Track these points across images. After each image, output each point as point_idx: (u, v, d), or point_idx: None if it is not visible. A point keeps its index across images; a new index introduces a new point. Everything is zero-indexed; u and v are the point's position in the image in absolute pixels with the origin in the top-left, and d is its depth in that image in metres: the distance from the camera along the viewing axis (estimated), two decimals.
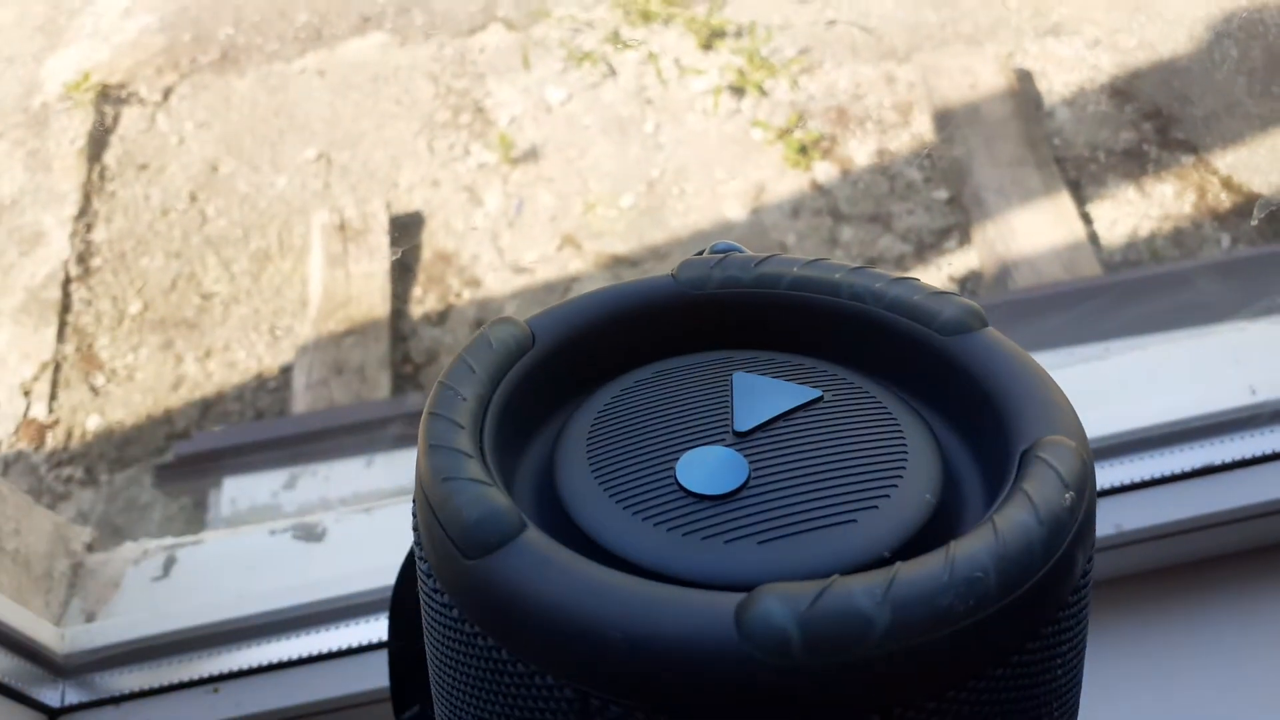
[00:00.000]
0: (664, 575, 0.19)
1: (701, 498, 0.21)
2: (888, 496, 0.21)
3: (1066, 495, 0.19)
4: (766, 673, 0.17)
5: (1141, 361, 0.55)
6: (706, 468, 0.21)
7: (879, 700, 0.17)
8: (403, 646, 0.33)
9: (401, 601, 0.32)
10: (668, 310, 0.25)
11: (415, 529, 0.22)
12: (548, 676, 0.18)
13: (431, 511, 0.20)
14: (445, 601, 0.20)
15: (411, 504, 0.23)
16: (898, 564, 0.18)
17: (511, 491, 0.21)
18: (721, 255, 0.25)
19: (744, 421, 0.22)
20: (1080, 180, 1.38)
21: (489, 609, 0.19)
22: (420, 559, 0.22)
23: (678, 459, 0.22)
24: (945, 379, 0.23)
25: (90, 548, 0.58)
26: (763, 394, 0.23)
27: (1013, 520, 0.19)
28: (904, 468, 0.21)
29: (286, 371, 1.25)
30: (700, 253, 0.26)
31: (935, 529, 0.21)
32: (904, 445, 0.22)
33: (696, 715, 0.18)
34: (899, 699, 0.18)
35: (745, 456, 0.22)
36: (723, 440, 0.22)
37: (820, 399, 0.23)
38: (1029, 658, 0.19)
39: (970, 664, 0.18)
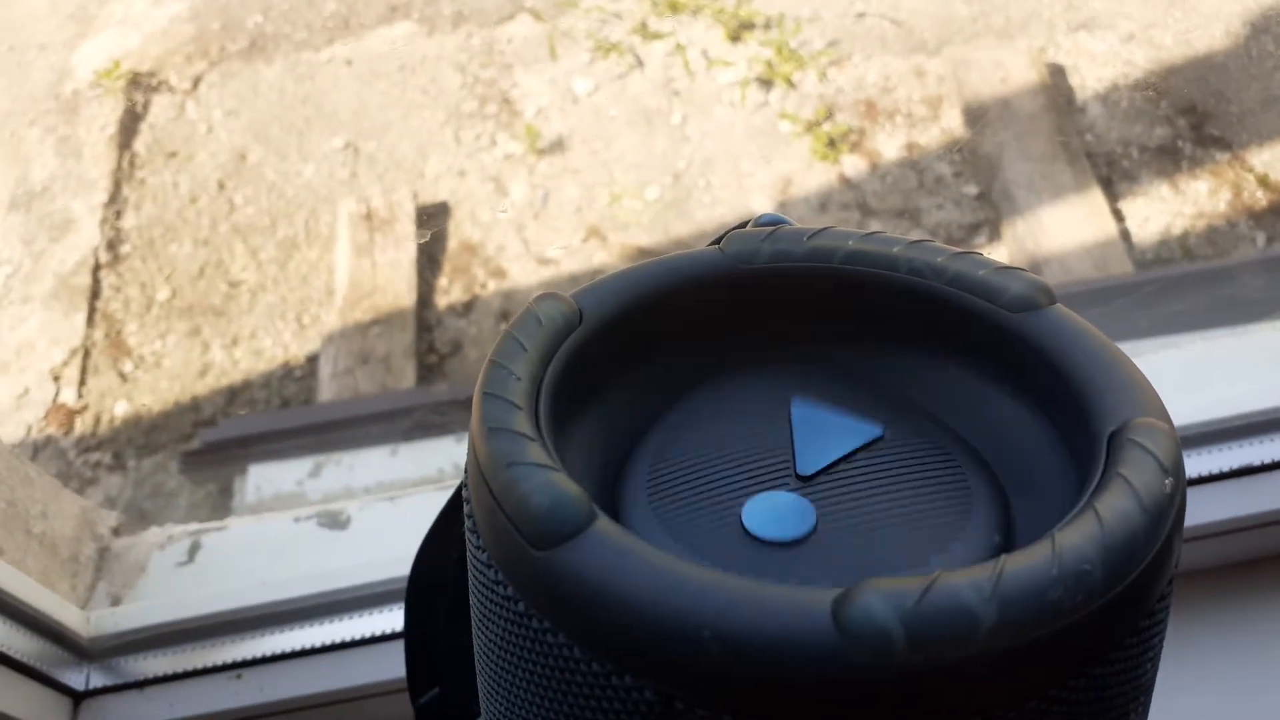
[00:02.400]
0: None
1: (769, 544, 0.20)
2: (957, 540, 0.20)
3: (1167, 481, 0.18)
4: (867, 673, 0.16)
5: (1177, 360, 0.54)
6: (773, 514, 0.21)
7: (982, 700, 0.17)
8: (420, 629, 0.33)
9: (418, 583, 0.32)
10: (716, 286, 0.24)
11: (469, 515, 0.21)
12: (626, 677, 0.17)
13: (494, 499, 0.19)
14: (509, 594, 0.19)
15: (463, 489, 0.22)
16: (1003, 556, 0.17)
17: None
18: (772, 228, 0.24)
19: (807, 464, 0.22)
20: (1112, 177, 1.37)
21: (561, 604, 0.18)
22: (476, 548, 0.21)
23: (742, 503, 0.21)
24: (1015, 357, 0.22)
25: (116, 532, 0.58)
26: (823, 430, 0.22)
27: (1116, 509, 0.18)
28: (969, 507, 0.21)
29: (312, 360, 1.26)
30: (743, 224, 0.25)
31: (1014, 544, 0.20)
32: (965, 483, 0.21)
33: (791, 718, 0.17)
34: (1002, 699, 0.17)
35: (811, 501, 0.21)
36: (786, 484, 0.21)
37: (882, 437, 0.22)
38: (1128, 653, 0.18)
39: (1074, 661, 0.17)
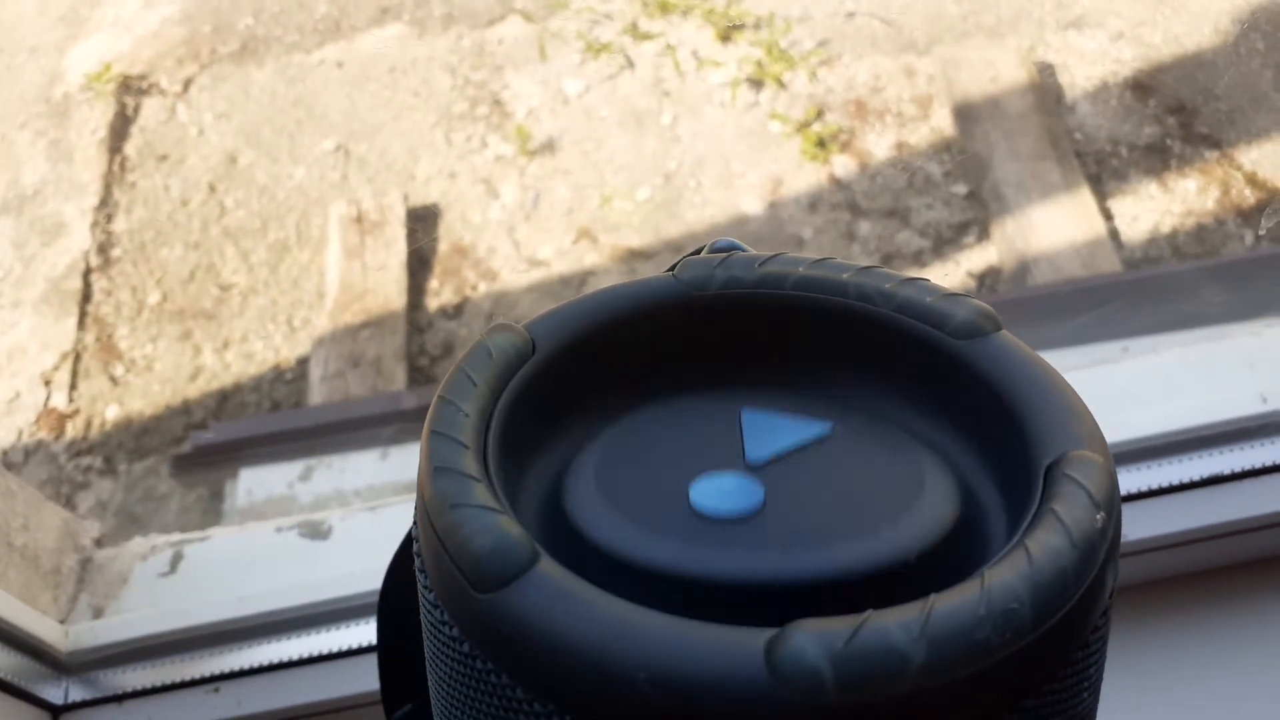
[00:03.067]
0: (682, 578, 0.19)
1: (717, 520, 0.20)
2: (908, 510, 0.20)
3: (1098, 516, 0.19)
4: (798, 713, 0.16)
5: (1152, 367, 0.55)
6: (720, 491, 0.21)
7: None
8: (392, 644, 0.33)
9: (390, 598, 0.32)
10: (670, 312, 0.24)
11: (417, 553, 0.21)
12: (566, 717, 0.18)
13: (439, 540, 0.19)
14: (455, 635, 0.19)
15: (412, 526, 0.22)
16: (932, 597, 0.17)
17: (516, 512, 0.21)
18: (724, 254, 0.24)
19: (756, 452, 0.22)
20: (1101, 175, 1.37)
21: (503, 645, 0.18)
22: (425, 588, 0.21)
23: (690, 484, 0.21)
24: (958, 385, 0.22)
25: (99, 543, 0.59)
26: (772, 429, 0.22)
27: (1045, 545, 0.18)
28: (922, 488, 0.21)
29: (303, 363, 1.26)
30: (698, 250, 0.25)
31: (957, 543, 0.20)
32: (920, 469, 0.21)
33: None
34: None
35: (760, 482, 0.21)
36: (735, 468, 0.22)
37: (831, 434, 0.22)
38: (1060, 685, 0.19)
39: (1003, 696, 0.18)
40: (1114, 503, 0.19)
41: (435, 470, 0.20)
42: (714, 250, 0.25)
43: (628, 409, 0.23)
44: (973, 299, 0.23)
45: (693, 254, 0.25)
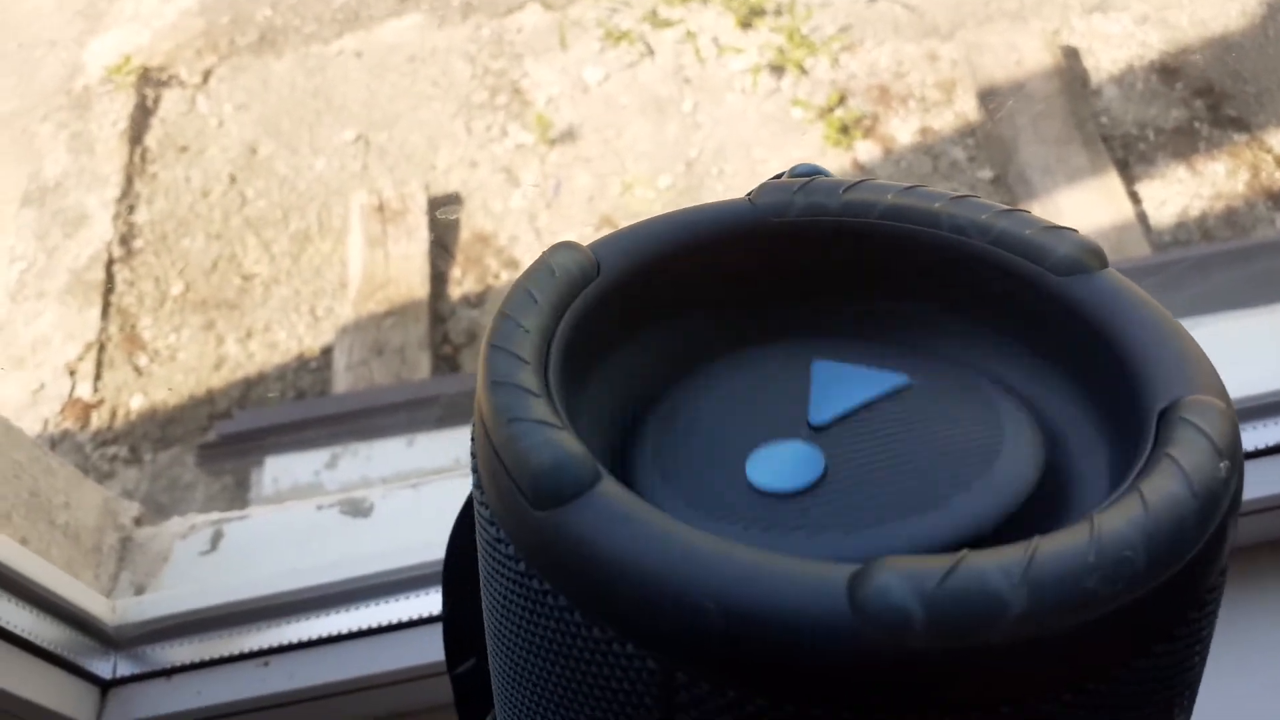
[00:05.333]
0: None
1: (777, 495, 0.19)
2: (982, 476, 0.19)
3: (1221, 464, 0.17)
4: (882, 655, 0.15)
5: (1243, 328, 0.54)
6: (779, 463, 0.20)
7: (1008, 690, 0.16)
8: (457, 599, 0.32)
9: (455, 554, 0.31)
10: (744, 239, 0.22)
11: (475, 470, 0.20)
12: (628, 644, 0.17)
13: (495, 455, 0.18)
14: (510, 554, 0.18)
15: (470, 444, 0.21)
16: (1036, 539, 0.16)
17: (577, 434, 0.19)
18: (805, 179, 0.23)
19: (820, 413, 0.20)
20: (1128, 159, 1.36)
21: (562, 566, 0.17)
22: (480, 504, 0.20)
23: (748, 455, 0.20)
24: (1059, 324, 0.21)
25: (139, 522, 0.58)
26: (844, 381, 0.21)
27: (1163, 492, 0.16)
28: (1000, 447, 0.19)
29: (327, 352, 1.25)
30: (779, 175, 0.23)
31: (1043, 504, 0.19)
32: (999, 423, 0.20)
33: (798, 698, 0.16)
34: (1030, 690, 0.16)
35: (821, 449, 0.20)
36: (797, 435, 0.20)
37: (908, 386, 0.21)
38: (1174, 645, 0.17)
39: (1111, 652, 0.16)
40: (1237, 452, 0.18)
41: (494, 384, 0.19)
42: (795, 175, 0.23)
43: (697, 349, 0.22)
44: (1077, 233, 0.21)
45: (773, 179, 0.23)
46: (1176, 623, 0.17)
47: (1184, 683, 0.18)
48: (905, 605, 0.15)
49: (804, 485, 0.19)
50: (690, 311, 0.22)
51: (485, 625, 0.22)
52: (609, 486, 0.17)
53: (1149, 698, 0.17)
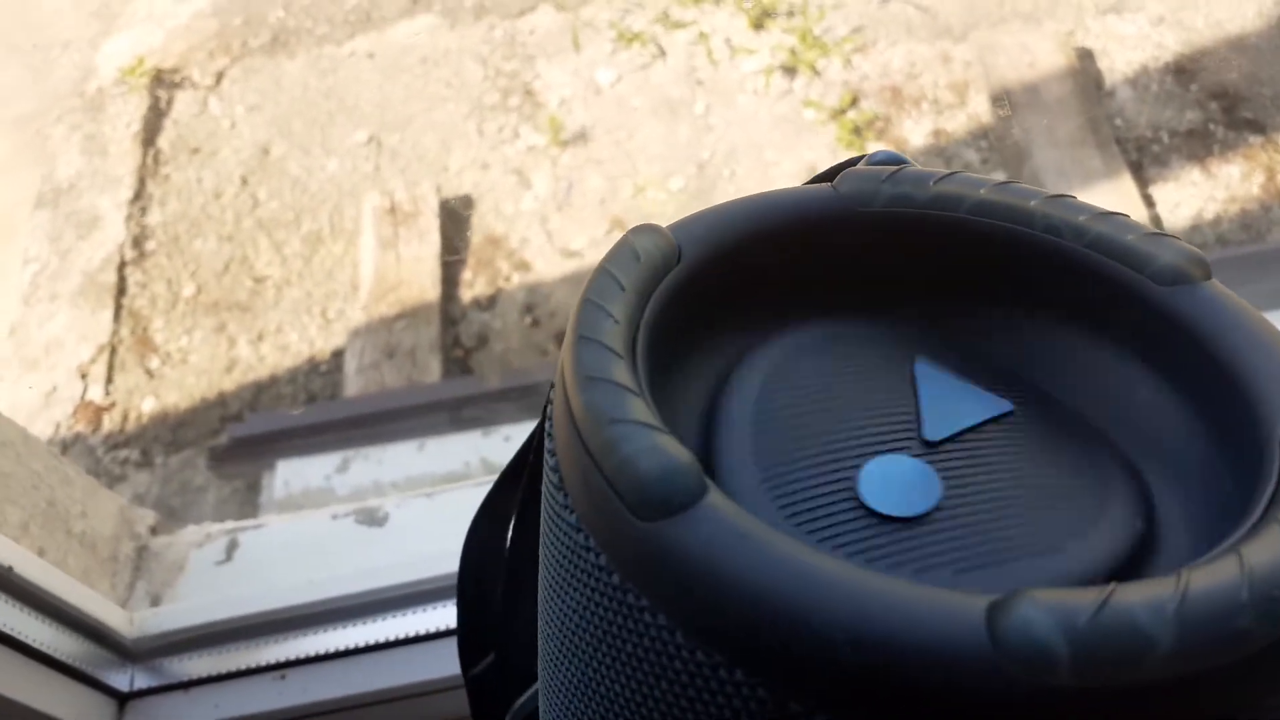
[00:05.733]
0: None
1: (887, 519, 0.18)
2: (1095, 524, 0.18)
3: None
4: (1021, 691, 0.14)
5: None
6: (894, 483, 0.18)
7: None
8: (472, 598, 0.32)
9: (472, 553, 0.31)
10: (830, 228, 0.21)
11: (554, 470, 0.19)
12: (736, 671, 0.16)
13: (590, 458, 0.17)
14: (602, 564, 0.17)
15: (547, 440, 0.20)
16: (1186, 574, 0.15)
17: None
18: (894, 168, 0.22)
19: (935, 429, 0.19)
20: (1142, 161, 1.35)
21: (665, 582, 0.16)
22: (563, 507, 0.19)
23: (859, 467, 0.19)
24: (1161, 336, 0.20)
25: (154, 531, 0.58)
26: (951, 397, 0.20)
27: None
28: (1105, 491, 0.18)
29: (338, 354, 1.25)
30: (856, 161, 0.23)
31: (1145, 547, 0.18)
32: (1101, 465, 0.19)
33: None
34: None
35: (936, 471, 0.19)
36: (908, 449, 0.19)
37: (1011, 413, 0.20)
38: None
39: (1255, 695, 0.15)
40: None
41: (587, 380, 0.18)
42: (873, 163, 0.22)
43: (783, 338, 0.21)
44: (1180, 241, 0.20)
45: (848, 164, 0.23)
46: None
47: None
48: (1049, 641, 0.14)
49: (920, 512, 0.18)
50: (772, 297, 0.21)
51: (544, 632, 0.21)
52: (719, 499, 0.16)
53: None
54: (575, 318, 0.19)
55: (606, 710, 0.18)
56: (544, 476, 0.20)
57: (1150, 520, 0.19)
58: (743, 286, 0.21)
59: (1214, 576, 0.15)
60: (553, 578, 0.20)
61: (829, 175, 0.22)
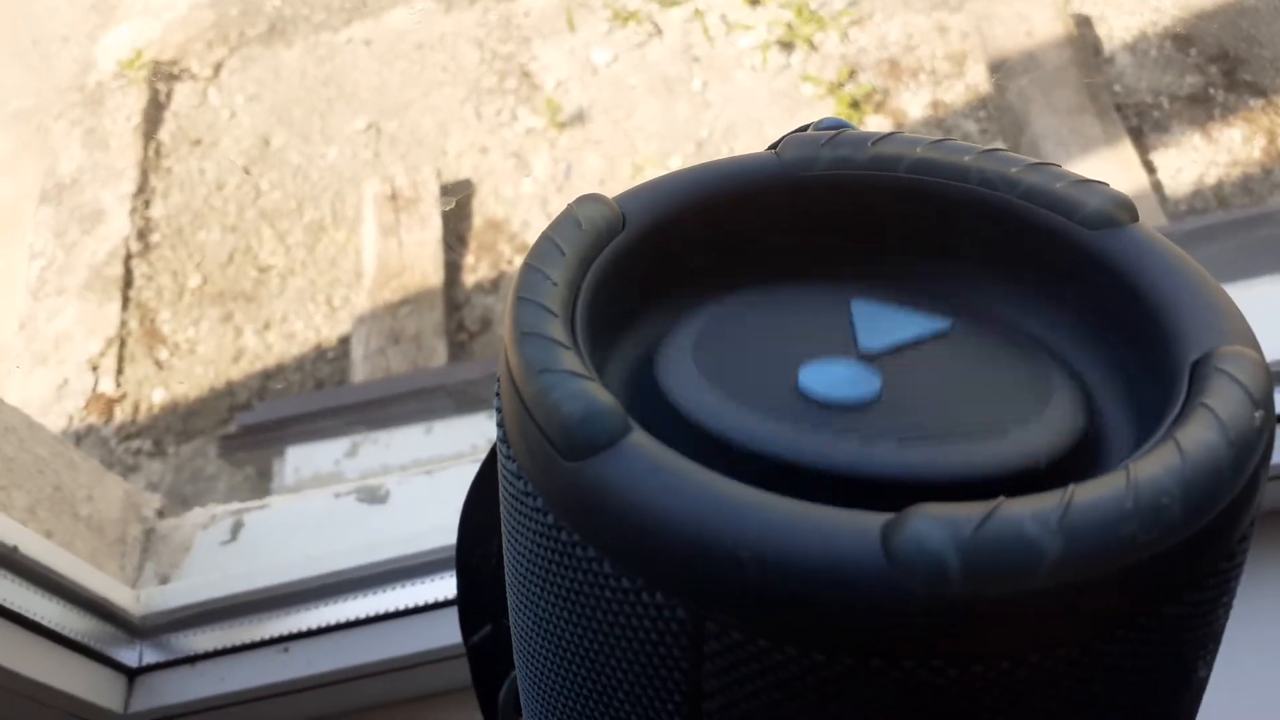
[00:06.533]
0: (787, 462, 0.18)
1: (830, 405, 0.19)
2: (1037, 415, 0.18)
3: (1256, 414, 0.17)
4: (916, 603, 0.15)
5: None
6: (832, 377, 0.19)
7: (1042, 637, 0.16)
8: (471, 567, 0.32)
9: (469, 522, 0.31)
10: (771, 193, 0.22)
11: (499, 425, 0.20)
12: (657, 594, 0.17)
13: (524, 407, 0.18)
14: (538, 506, 0.18)
15: (495, 398, 0.21)
16: (1072, 486, 0.16)
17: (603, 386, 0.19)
18: (833, 132, 0.22)
19: (870, 342, 0.20)
20: (1142, 128, 1.34)
21: (592, 516, 0.17)
22: (506, 458, 0.20)
23: (798, 367, 0.19)
24: (1090, 278, 0.21)
25: (160, 513, 0.59)
26: (887, 320, 0.21)
27: (1199, 440, 0.16)
28: (1050, 392, 0.19)
29: (344, 341, 1.26)
30: (804, 128, 0.23)
31: (1091, 449, 0.18)
32: (1048, 375, 0.20)
33: (829, 647, 0.16)
34: (1065, 636, 0.16)
35: (876, 373, 0.19)
36: (848, 355, 0.20)
37: (950, 330, 0.21)
38: (1204, 595, 0.17)
39: (1144, 600, 0.16)
40: (1271, 402, 0.18)
41: (522, 335, 0.19)
42: (820, 129, 0.23)
43: (726, 290, 0.22)
44: (1107, 186, 0.21)
45: (796, 131, 0.23)
46: (1207, 573, 0.17)
47: (1210, 635, 0.18)
48: (941, 553, 0.15)
49: (860, 399, 0.19)
50: (717, 263, 0.22)
51: (507, 582, 0.22)
52: (640, 437, 0.17)
53: (1176, 648, 0.17)
54: (517, 280, 0.20)
55: (556, 646, 0.19)
56: (496, 433, 0.21)
57: (1092, 420, 0.19)
58: (688, 252, 0.22)
59: (1101, 488, 0.16)
60: (506, 529, 0.21)
61: (776, 144, 0.23)
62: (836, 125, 0.23)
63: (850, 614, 0.15)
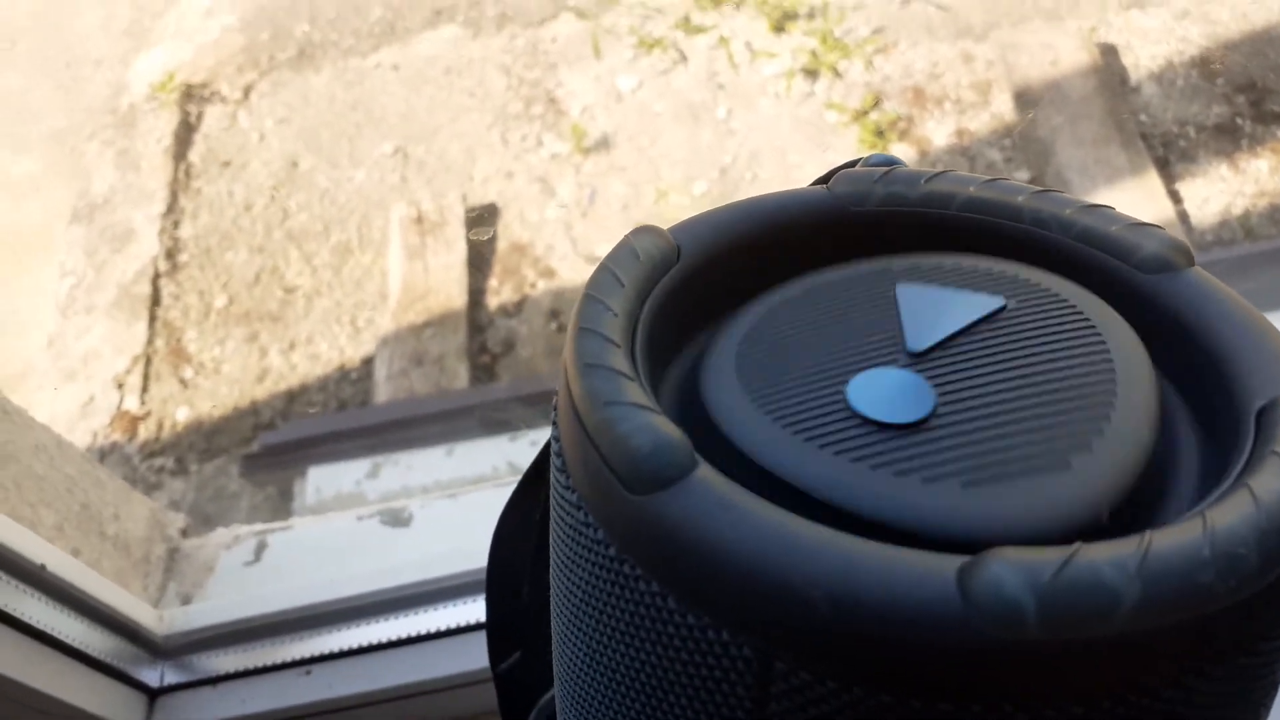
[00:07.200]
0: (856, 516, 0.17)
1: (883, 426, 0.18)
2: (1101, 432, 0.18)
3: None
4: (993, 646, 0.15)
5: None
6: (884, 391, 0.19)
7: (1116, 682, 0.15)
8: (502, 594, 0.32)
9: (500, 549, 0.31)
10: (823, 228, 0.22)
11: (558, 454, 0.20)
12: (723, 632, 0.16)
13: (588, 438, 0.18)
14: (599, 538, 0.18)
15: (552, 427, 0.20)
16: (1150, 534, 0.15)
17: None
18: (886, 169, 0.22)
19: (918, 339, 0.20)
20: (1169, 158, 1.34)
21: (657, 551, 0.17)
22: (565, 488, 0.19)
23: (847, 381, 0.19)
24: (1148, 323, 0.20)
25: (185, 533, 0.60)
26: (936, 305, 0.20)
27: (1273, 490, 0.16)
28: (1114, 390, 0.19)
29: (368, 363, 1.27)
30: (854, 163, 0.23)
31: (1154, 480, 0.18)
32: (1110, 362, 0.19)
33: (899, 689, 0.15)
34: (1138, 682, 0.16)
35: (926, 379, 0.19)
36: (896, 361, 0.19)
37: (1005, 308, 0.20)
38: (1274, 644, 0.17)
39: (1217, 649, 0.16)
40: None
41: (586, 367, 0.18)
42: (870, 164, 0.23)
43: (762, 299, 0.22)
44: (1163, 230, 0.21)
45: (845, 166, 0.23)
46: (1278, 622, 0.17)
47: (1276, 681, 0.18)
48: (1017, 597, 0.15)
49: (915, 419, 0.18)
50: (766, 294, 0.22)
51: (554, 611, 0.21)
52: (707, 472, 0.17)
53: (1245, 694, 0.17)
54: (577, 311, 0.20)
55: (610, 680, 0.19)
56: (550, 462, 0.21)
57: (1163, 430, 0.19)
58: (740, 285, 0.22)
59: (1178, 536, 0.15)
60: (559, 559, 0.20)
61: (826, 178, 0.23)
62: (888, 162, 0.23)
63: (923, 656, 0.15)
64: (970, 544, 0.17)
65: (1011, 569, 0.15)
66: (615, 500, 0.17)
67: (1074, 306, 0.20)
